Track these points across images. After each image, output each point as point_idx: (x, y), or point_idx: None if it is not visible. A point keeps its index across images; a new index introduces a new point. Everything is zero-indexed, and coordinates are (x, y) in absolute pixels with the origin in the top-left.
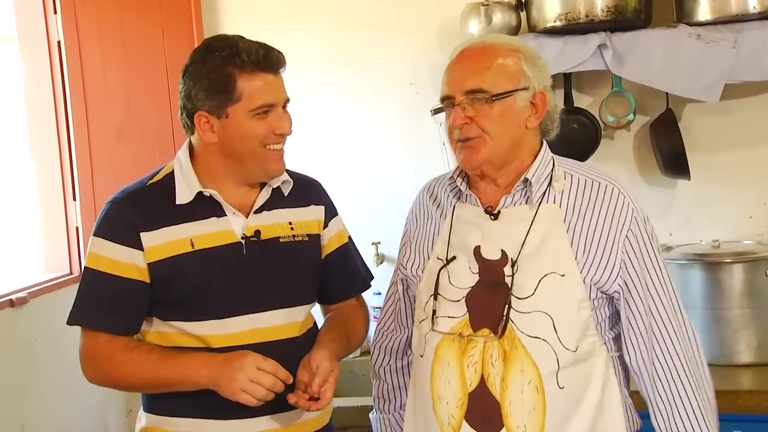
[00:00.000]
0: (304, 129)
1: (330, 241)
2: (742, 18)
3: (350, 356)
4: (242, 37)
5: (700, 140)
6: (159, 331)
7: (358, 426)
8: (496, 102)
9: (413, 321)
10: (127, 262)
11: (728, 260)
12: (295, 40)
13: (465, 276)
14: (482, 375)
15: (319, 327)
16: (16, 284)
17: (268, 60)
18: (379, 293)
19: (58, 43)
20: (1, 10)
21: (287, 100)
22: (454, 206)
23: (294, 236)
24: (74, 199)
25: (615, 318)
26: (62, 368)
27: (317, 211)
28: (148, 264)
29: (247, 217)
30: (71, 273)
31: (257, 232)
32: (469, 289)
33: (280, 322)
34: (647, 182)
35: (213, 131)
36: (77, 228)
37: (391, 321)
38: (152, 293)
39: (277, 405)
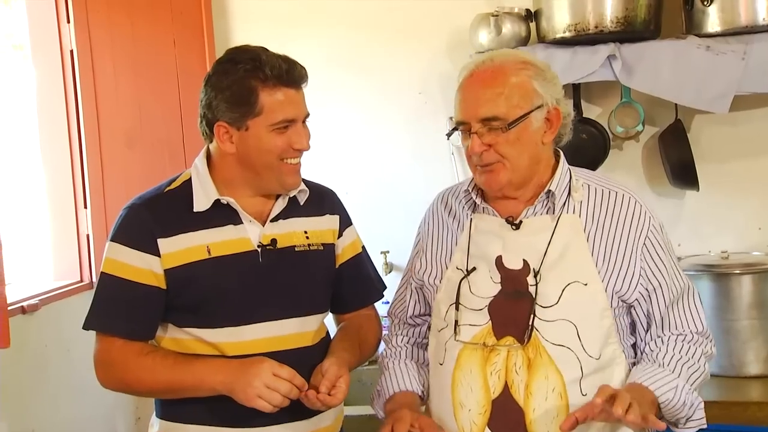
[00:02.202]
0: (313, 137)
1: (344, 251)
2: (752, 30)
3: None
4: (266, 49)
5: (709, 151)
6: (174, 337)
7: None
8: (512, 128)
9: (429, 328)
10: (144, 267)
11: (737, 271)
12: (305, 47)
13: (487, 285)
14: (506, 382)
15: (332, 337)
16: (28, 291)
17: (290, 75)
18: (388, 302)
19: (71, 51)
20: (15, 19)
21: (307, 115)
22: (472, 217)
23: (309, 245)
24: (85, 207)
25: (634, 326)
26: (72, 374)
27: (332, 221)
28: (165, 270)
29: (263, 226)
30: (82, 280)
31: (273, 241)
32: (492, 298)
33: (293, 331)
34: (656, 193)
35: (232, 142)
36: (88, 235)
37: (402, 313)
38: (168, 299)
39: (290, 414)
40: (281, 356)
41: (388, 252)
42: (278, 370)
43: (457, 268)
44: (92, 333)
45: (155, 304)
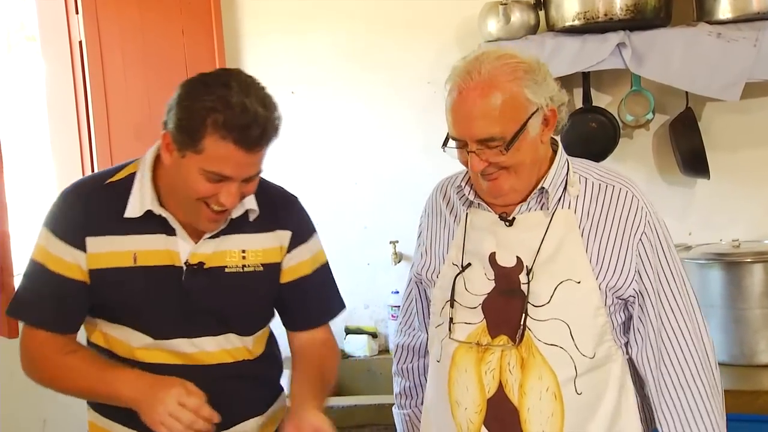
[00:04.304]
0: (322, 129)
1: (291, 269)
2: (764, 16)
3: (368, 354)
4: (246, 91)
5: (720, 139)
6: (103, 332)
7: (376, 424)
8: (511, 147)
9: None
10: (71, 262)
11: (748, 260)
12: (314, 39)
13: (481, 283)
14: (500, 382)
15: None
16: None
17: (244, 135)
18: (397, 292)
19: (80, 43)
20: (25, 11)
21: (253, 175)
22: (467, 212)
23: (244, 266)
24: None
25: (630, 322)
26: None
27: (281, 237)
28: (90, 270)
29: (196, 243)
30: None
31: (201, 263)
32: (486, 295)
33: (213, 349)
34: (667, 181)
35: (171, 156)
36: None
37: (412, 320)
38: (91, 297)
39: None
40: (199, 371)
41: (397, 242)
42: (185, 399)
43: (452, 263)
44: None
45: (81, 298)
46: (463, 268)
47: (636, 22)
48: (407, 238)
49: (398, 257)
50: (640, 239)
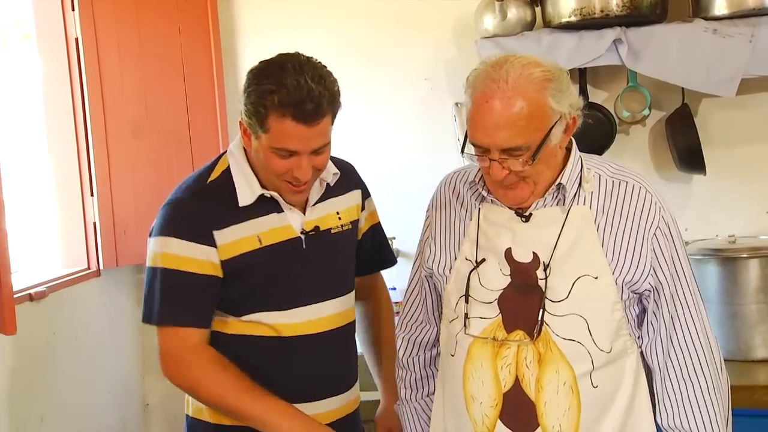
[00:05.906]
0: None
1: (365, 221)
2: (759, 12)
3: None
4: (299, 71)
5: (716, 135)
6: (229, 321)
7: None
8: (536, 157)
9: (441, 319)
10: (203, 259)
11: (744, 255)
12: (310, 35)
13: (496, 278)
14: (516, 376)
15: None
16: (35, 279)
17: (299, 109)
18: (394, 288)
19: (76, 40)
20: (21, 8)
21: (318, 148)
22: (480, 207)
23: (342, 226)
24: (92, 195)
25: (644, 315)
26: (80, 362)
27: (356, 196)
28: (222, 261)
29: (303, 213)
30: (89, 267)
31: (316, 228)
32: (501, 291)
33: (338, 311)
34: (663, 177)
35: (249, 141)
36: (95, 223)
37: (418, 314)
38: (223, 288)
39: (326, 390)
40: (330, 336)
41: (394, 238)
42: None
43: (466, 258)
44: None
45: (215, 293)
46: (478, 264)
47: (632, 18)
48: (405, 235)
49: (395, 253)
50: (655, 234)
